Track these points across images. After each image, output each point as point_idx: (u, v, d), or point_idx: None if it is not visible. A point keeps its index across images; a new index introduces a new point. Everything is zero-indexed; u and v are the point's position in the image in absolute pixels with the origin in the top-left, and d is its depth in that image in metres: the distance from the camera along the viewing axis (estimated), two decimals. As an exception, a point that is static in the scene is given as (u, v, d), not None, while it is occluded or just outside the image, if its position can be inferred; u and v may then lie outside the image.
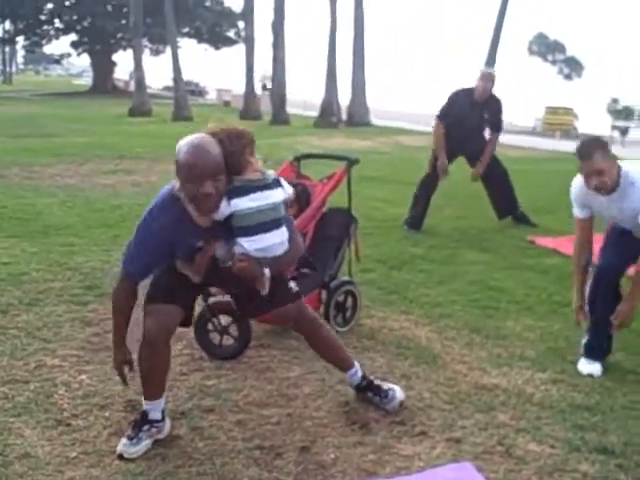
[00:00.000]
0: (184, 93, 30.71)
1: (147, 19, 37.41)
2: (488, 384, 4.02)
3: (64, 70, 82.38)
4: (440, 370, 4.20)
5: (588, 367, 4.27)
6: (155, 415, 3.31)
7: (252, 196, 3.11)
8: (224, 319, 4.33)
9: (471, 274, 6.27)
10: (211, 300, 4.30)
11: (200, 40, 52.84)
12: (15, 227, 7.44)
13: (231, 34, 52.09)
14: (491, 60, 24.85)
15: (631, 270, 4.34)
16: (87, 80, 60.34)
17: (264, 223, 3.16)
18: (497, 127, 8.51)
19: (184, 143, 3.05)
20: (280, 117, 28.36)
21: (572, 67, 64.87)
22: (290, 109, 29.89)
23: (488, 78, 8.31)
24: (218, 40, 52.67)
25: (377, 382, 3.75)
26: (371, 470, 3.12)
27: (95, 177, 11.34)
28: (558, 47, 65.65)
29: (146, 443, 3.22)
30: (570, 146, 9.17)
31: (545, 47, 66.19)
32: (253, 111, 30.81)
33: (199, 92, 52.59)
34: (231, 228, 3.16)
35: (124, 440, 3.19)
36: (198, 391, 3.82)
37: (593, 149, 4.11)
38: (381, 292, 5.68)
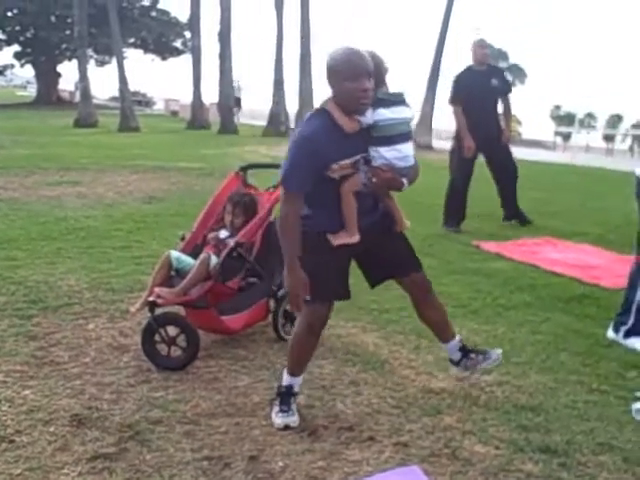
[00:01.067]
0: (130, 103, 30.44)
1: (92, 29, 36.97)
2: (435, 388, 4.06)
3: (7, 81, 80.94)
4: (388, 375, 4.24)
5: None
6: (297, 389, 3.70)
7: (393, 109, 3.40)
8: (172, 330, 4.31)
9: (418, 280, 6.33)
10: (158, 311, 4.29)
11: (146, 50, 52.36)
12: (-43, 241, 7.30)
13: (178, 44, 51.74)
14: (436, 67, 25.03)
15: None
16: (31, 91, 59.35)
17: (401, 134, 3.44)
18: (508, 89, 9.06)
19: (339, 49, 3.29)
20: (228, 127, 28.29)
21: (515, 74, 66.01)
22: (243, 119, 29.84)
23: (483, 44, 8.87)
24: (165, 50, 52.25)
25: (476, 347, 4.12)
26: (320, 477, 3.13)
27: (39, 189, 11.16)
28: (501, 55, 66.74)
29: (296, 413, 3.62)
30: (515, 151, 9.35)
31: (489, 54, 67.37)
32: (201, 121, 30.67)
33: (146, 102, 52.17)
34: (370, 139, 3.39)
35: (279, 414, 3.59)
36: (146, 403, 3.79)
37: None
38: (329, 299, 5.69)
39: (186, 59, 45.51)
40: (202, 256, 4.45)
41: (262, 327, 4.94)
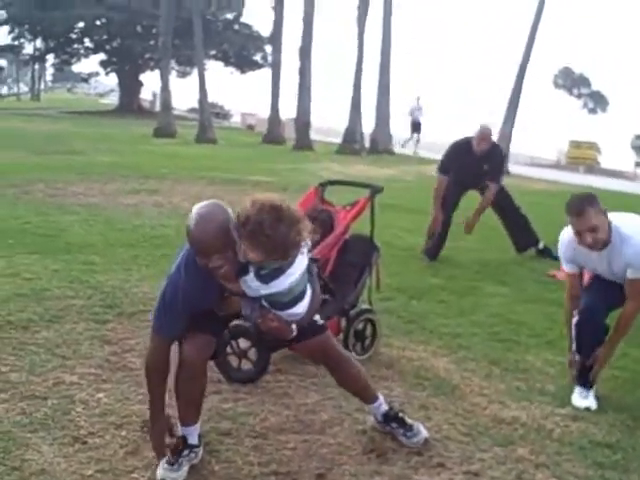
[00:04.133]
0: (209, 116, 30.88)
1: (175, 41, 37.69)
2: (507, 417, 3.98)
3: (92, 89, 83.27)
4: (458, 402, 4.18)
5: (583, 401, 4.25)
6: (193, 440, 3.32)
7: (288, 271, 3.03)
8: (243, 342, 4.33)
9: (491, 306, 6.24)
10: (232, 323, 4.31)
11: (227, 63, 53.15)
12: (38, 244, 7.49)
13: (258, 58, 52.39)
14: (516, 92, 24.73)
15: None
16: (113, 99, 60.87)
17: (296, 297, 3.14)
18: (496, 179, 8.41)
19: (194, 213, 2.98)
20: (303, 142, 28.42)
21: (597, 101, 64.87)
22: (314, 135, 30.00)
23: (485, 134, 8.27)
24: (244, 64, 52.94)
25: (402, 415, 3.70)
26: (387, 500, 3.10)
27: (118, 196, 11.40)
28: (583, 81, 65.74)
29: (185, 469, 3.22)
30: (594, 181, 9.17)
31: (570, 81, 66.28)
32: (277, 136, 30.92)
33: (224, 115, 52.90)
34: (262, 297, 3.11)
35: (165, 465, 3.18)
36: (215, 414, 3.81)
37: (585, 205, 4.10)
38: (400, 321, 5.66)
39: (265, 73, 46.01)
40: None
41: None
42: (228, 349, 4.32)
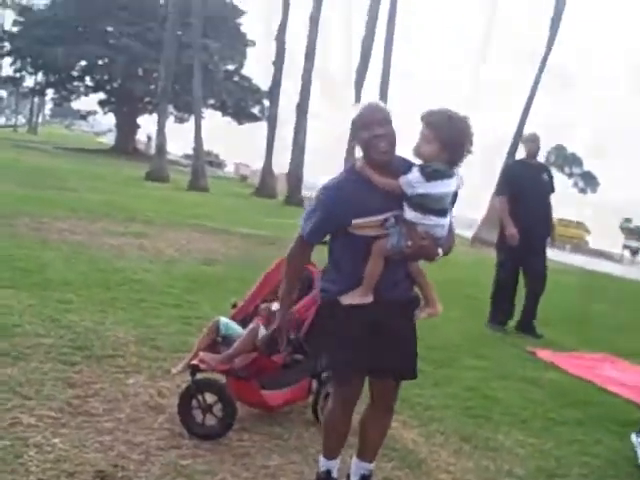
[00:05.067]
0: (203, 163, 31.05)
1: (175, 86, 38.11)
2: (471, 498, 3.88)
3: (89, 126, 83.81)
4: (423, 477, 4.07)
5: None
6: (336, 473, 3.60)
7: (445, 182, 3.25)
8: (210, 397, 4.23)
9: (467, 380, 6.14)
10: (199, 376, 4.22)
11: (224, 113, 53.69)
12: (16, 277, 7.39)
13: (255, 110, 52.94)
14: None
15: None
16: (110, 138, 61.17)
17: (444, 209, 3.31)
18: (553, 188, 8.90)
19: (362, 104, 3.40)
20: (294, 198, 28.53)
21: (587, 182, 65.49)
22: (306, 191, 30.11)
23: (535, 139, 8.81)
24: (242, 115, 53.47)
25: None
26: None
27: (103, 236, 11.33)
28: (575, 161, 66.44)
29: None
30: (579, 260, 9.18)
31: (562, 159, 66.98)
32: (269, 188, 31.07)
33: (218, 164, 53.24)
34: (410, 203, 3.25)
35: None
36: (173, 469, 3.70)
37: None
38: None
39: (261, 126, 46.44)
40: (251, 326, 4.39)
41: (301, 407, 4.82)
42: (193, 402, 4.22)
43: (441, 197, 3.26)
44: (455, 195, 3.36)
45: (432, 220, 3.26)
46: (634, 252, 33.32)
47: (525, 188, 8.38)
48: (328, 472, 3.57)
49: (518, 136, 24.82)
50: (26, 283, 7.20)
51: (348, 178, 3.35)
